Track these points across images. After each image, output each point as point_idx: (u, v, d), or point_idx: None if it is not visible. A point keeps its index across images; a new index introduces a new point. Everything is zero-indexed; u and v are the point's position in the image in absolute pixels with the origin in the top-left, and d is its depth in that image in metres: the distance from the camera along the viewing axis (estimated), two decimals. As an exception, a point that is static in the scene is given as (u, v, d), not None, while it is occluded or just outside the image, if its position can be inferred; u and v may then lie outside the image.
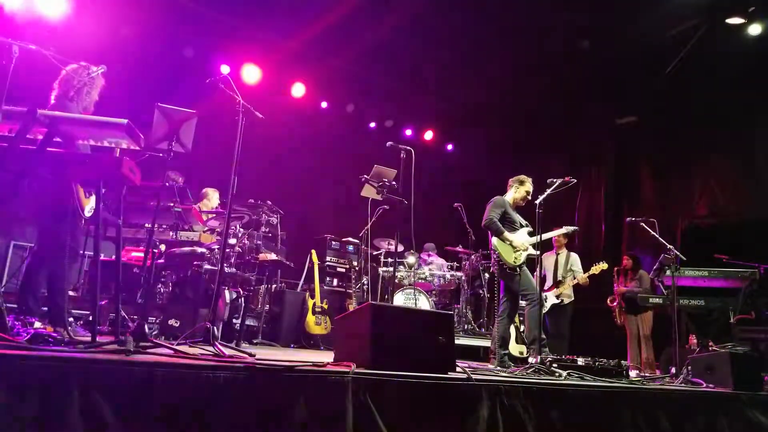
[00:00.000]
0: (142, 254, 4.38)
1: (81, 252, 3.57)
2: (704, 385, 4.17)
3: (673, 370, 4.88)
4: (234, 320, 4.79)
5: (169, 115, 3.02)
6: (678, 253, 5.26)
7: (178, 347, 2.56)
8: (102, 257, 4.83)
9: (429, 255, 8.02)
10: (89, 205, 3.28)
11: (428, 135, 10.33)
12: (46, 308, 3.16)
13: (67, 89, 3.43)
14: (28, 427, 1.65)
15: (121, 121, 2.63)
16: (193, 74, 6.96)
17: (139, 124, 2.81)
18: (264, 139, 7.53)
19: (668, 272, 5.27)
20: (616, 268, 7.23)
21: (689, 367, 4.42)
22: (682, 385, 4.21)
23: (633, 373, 4.54)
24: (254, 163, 7.85)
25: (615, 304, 7.12)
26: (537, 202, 4.70)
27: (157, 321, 4.37)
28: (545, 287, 6.81)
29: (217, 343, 2.72)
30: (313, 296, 6.39)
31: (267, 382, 2.17)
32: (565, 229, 5.54)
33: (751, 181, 7.73)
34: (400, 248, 7.12)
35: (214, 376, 2.07)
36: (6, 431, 1.60)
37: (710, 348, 5.08)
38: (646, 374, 5.24)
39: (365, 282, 6.92)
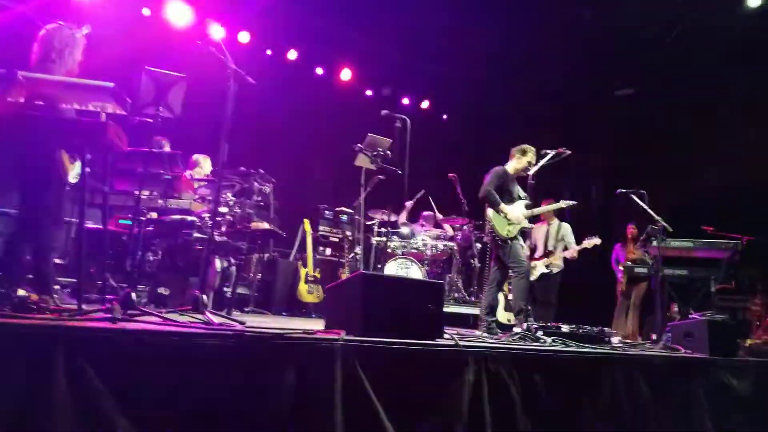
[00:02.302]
0: (130, 222, 4.34)
1: (66, 219, 3.51)
2: (683, 350, 4.30)
3: (654, 336, 4.99)
4: (225, 289, 4.79)
5: (157, 79, 2.96)
6: (665, 225, 5.30)
7: (166, 315, 2.55)
8: (90, 225, 4.83)
9: (423, 225, 8.02)
10: (74, 171, 3.22)
11: (424, 104, 10.23)
12: (31, 276, 3.12)
13: (49, 50, 3.31)
14: (15, 396, 1.65)
15: (107, 84, 2.57)
16: (183, 39, 6.82)
17: (125, 90, 2.75)
18: (256, 106, 7.42)
19: (654, 243, 5.34)
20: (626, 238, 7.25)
21: (669, 334, 4.58)
22: (662, 351, 4.33)
23: (615, 339, 4.63)
24: (246, 131, 7.70)
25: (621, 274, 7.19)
26: (530, 173, 4.68)
27: (147, 289, 4.36)
28: (535, 256, 6.86)
29: (206, 312, 2.72)
30: (305, 265, 6.40)
31: (256, 350, 2.18)
32: (563, 203, 5.48)
33: (740, 154, 7.75)
34: (394, 218, 7.13)
35: (203, 343, 2.08)
36: None
37: (690, 316, 5.19)
38: (628, 341, 5.33)
39: (358, 251, 6.93)
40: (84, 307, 2.47)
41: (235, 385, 2.08)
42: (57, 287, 3.61)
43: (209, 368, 2.04)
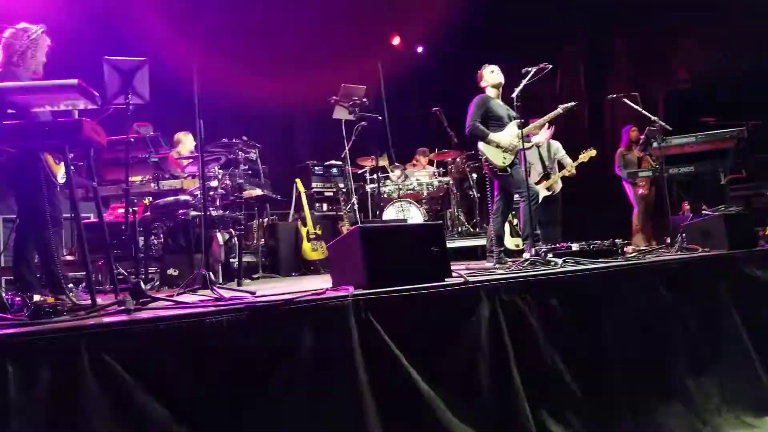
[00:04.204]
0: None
1: (66, 216, 3.54)
2: (700, 249, 4.23)
3: (669, 240, 4.93)
4: (231, 260, 4.84)
5: (118, 67, 2.89)
6: (663, 124, 5.21)
7: (177, 298, 2.60)
8: (90, 220, 4.84)
9: (415, 164, 8.00)
10: (61, 172, 3.22)
11: (395, 41, 9.98)
12: (43, 279, 3.19)
13: (10, 54, 3.27)
14: (46, 402, 1.70)
15: (71, 82, 2.53)
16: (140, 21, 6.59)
17: (91, 83, 2.70)
18: (226, 72, 7.26)
19: (655, 144, 5.26)
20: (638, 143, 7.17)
21: (684, 235, 4.48)
22: (678, 253, 4.26)
23: (629, 249, 4.62)
24: (221, 99, 7.63)
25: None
26: (514, 95, 4.58)
27: (158, 272, 4.42)
28: (534, 181, 6.84)
29: (215, 288, 2.77)
30: (305, 224, 6.43)
31: (269, 319, 2.23)
32: (561, 108, 5.17)
33: (726, 37, 7.57)
34: (382, 163, 7.10)
35: (217, 320, 2.12)
36: (25, 411, 1.65)
37: (703, 212, 5.14)
38: (642, 248, 5.34)
39: (354, 202, 6.95)
40: (99, 300, 2.53)
41: (253, 356, 2.14)
42: (71, 285, 3.67)
43: (227, 343, 2.09)
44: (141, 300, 2.45)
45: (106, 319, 2.08)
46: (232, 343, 2.11)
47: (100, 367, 1.84)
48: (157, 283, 4.22)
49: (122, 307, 2.21)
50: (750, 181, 6.67)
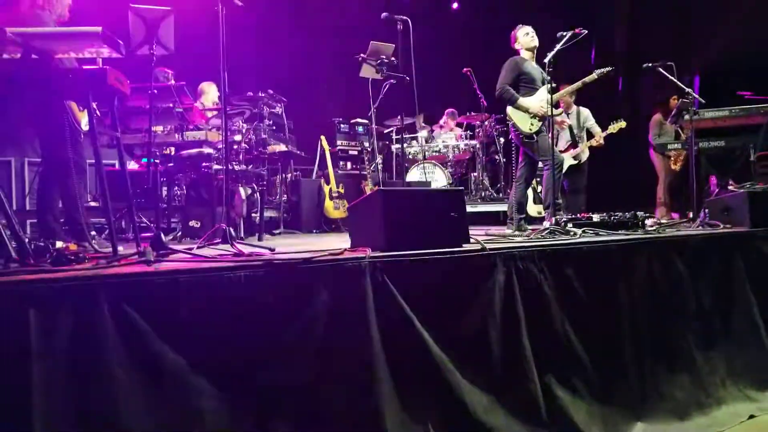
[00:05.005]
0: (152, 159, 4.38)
1: (87, 165, 3.58)
2: (721, 226, 4.19)
3: (691, 214, 4.88)
4: (253, 214, 4.88)
5: (143, 16, 2.86)
6: (696, 96, 5.06)
7: (197, 251, 2.63)
8: (116, 167, 4.90)
9: (443, 126, 7.88)
10: (85, 119, 3.24)
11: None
12: (66, 225, 3.25)
13: (34, -3, 3.25)
14: (67, 349, 1.75)
15: (95, 29, 2.50)
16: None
17: (115, 32, 2.68)
18: (255, 23, 7.17)
19: (686, 117, 5.12)
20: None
21: (706, 211, 4.44)
22: (699, 228, 4.23)
23: (650, 222, 4.56)
24: (247, 52, 7.56)
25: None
26: (546, 60, 4.42)
27: (179, 222, 4.49)
28: (560, 149, 6.71)
29: (235, 243, 2.79)
30: (328, 182, 6.43)
31: (287, 276, 2.25)
32: (597, 74, 5.00)
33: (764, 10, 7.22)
34: (409, 123, 7.00)
35: (235, 276, 2.14)
36: (46, 357, 1.70)
37: (729, 188, 5.04)
38: (663, 221, 5.27)
39: (379, 162, 6.91)
40: (120, 249, 2.58)
41: (269, 312, 2.17)
42: (93, 233, 3.75)
43: (243, 299, 2.12)
44: (161, 252, 2.48)
45: (126, 269, 2.12)
46: (249, 299, 2.13)
47: (120, 316, 1.88)
48: (179, 233, 4.28)
49: (143, 258, 2.25)
50: None
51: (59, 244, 2.58)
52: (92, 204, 4.91)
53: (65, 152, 3.09)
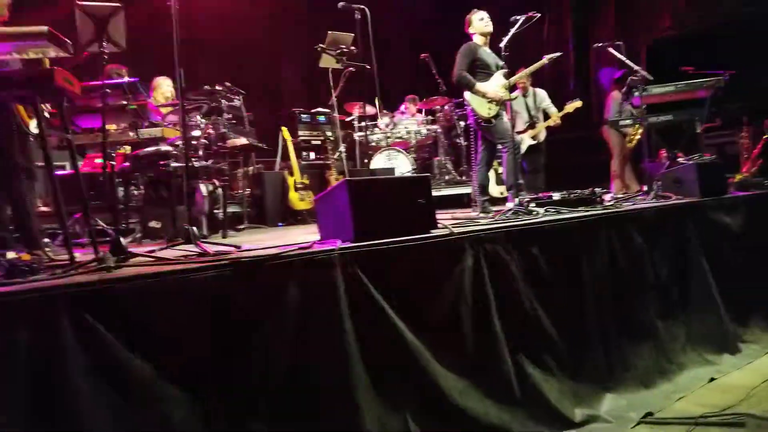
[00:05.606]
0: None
1: (37, 168, 3.43)
2: (673, 197, 4.37)
3: (644, 188, 5.09)
4: (216, 211, 4.78)
5: (91, 13, 2.74)
6: (645, 74, 5.20)
7: (159, 254, 2.57)
8: (65, 171, 4.71)
9: (404, 112, 7.87)
10: (34, 122, 3.10)
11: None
12: (17, 234, 3.11)
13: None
14: (26, 364, 1.68)
15: (41, 29, 2.41)
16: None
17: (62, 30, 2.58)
18: (209, 15, 6.99)
19: (636, 93, 5.27)
20: None
21: (659, 183, 4.64)
22: (653, 201, 4.41)
23: (607, 197, 4.71)
24: (203, 44, 7.38)
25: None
26: (502, 45, 4.48)
27: (139, 223, 4.36)
28: (518, 129, 6.80)
29: (199, 242, 2.74)
30: (291, 173, 6.35)
31: (255, 274, 2.21)
32: (547, 59, 5.16)
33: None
34: (371, 111, 6.97)
35: (202, 277, 2.10)
36: (4, 374, 1.64)
37: (678, 160, 5.24)
38: (619, 195, 5.43)
39: (342, 150, 6.86)
40: (78, 255, 2.48)
41: (238, 311, 2.13)
42: (46, 240, 3.60)
43: (211, 300, 2.08)
44: (122, 256, 2.41)
45: (86, 278, 2.05)
46: (217, 299, 2.09)
47: (81, 327, 1.81)
48: (139, 235, 4.17)
49: (102, 265, 2.17)
50: (724, 128, 6.78)
51: (11, 254, 2.47)
52: (43, 209, 4.71)
53: (13, 158, 2.96)
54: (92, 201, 4.42)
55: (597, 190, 4.33)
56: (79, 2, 2.79)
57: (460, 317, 2.72)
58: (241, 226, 5.25)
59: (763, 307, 4.14)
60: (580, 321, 3.21)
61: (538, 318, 3.01)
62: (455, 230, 2.89)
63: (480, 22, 4.98)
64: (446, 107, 7.53)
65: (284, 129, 6.76)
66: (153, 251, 2.68)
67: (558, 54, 5.23)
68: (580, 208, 3.92)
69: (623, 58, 5.22)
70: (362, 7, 4.20)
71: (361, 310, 2.39)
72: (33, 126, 3.14)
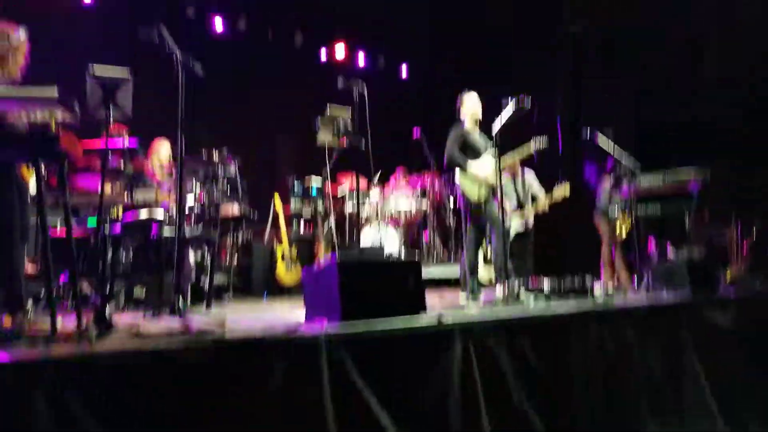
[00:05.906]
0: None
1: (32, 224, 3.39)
2: (664, 293, 4.38)
3: (636, 279, 5.10)
4: (202, 279, 4.71)
5: (102, 81, 2.81)
6: (631, 165, 5.26)
7: (142, 328, 2.49)
8: (57, 231, 4.65)
9: (394, 186, 7.95)
10: (33, 182, 3.09)
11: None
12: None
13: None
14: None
15: (52, 93, 2.45)
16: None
17: (71, 92, 2.63)
18: (211, 80, 7.17)
19: (624, 184, 5.34)
20: None
21: (650, 277, 4.65)
22: (644, 296, 4.41)
23: (597, 289, 4.68)
24: (203, 108, 7.51)
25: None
26: (494, 134, 4.47)
27: (123, 289, 4.27)
28: (509, 211, 6.84)
29: (185, 317, 2.67)
30: (281, 241, 6.33)
31: (239, 355, 2.16)
32: (533, 144, 5.18)
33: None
34: (362, 183, 7.03)
35: (184, 358, 2.04)
36: None
37: (668, 252, 5.25)
38: (610, 287, 5.42)
39: (331, 222, 6.87)
40: (59, 319, 2.41)
41: (220, 394, 2.06)
42: (29, 300, 3.51)
43: (192, 381, 2.02)
44: (104, 327, 2.34)
45: (65, 350, 1.98)
46: (199, 381, 2.03)
47: (57, 402, 1.75)
48: (122, 302, 4.07)
49: (84, 337, 2.11)
50: (712, 222, 6.87)
51: (-7, 317, 2.39)
52: (28, 270, 4.61)
53: (12, 221, 2.91)
54: (80, 263, 4.35)
55: (587, 280, 4.30)
56: (90, 72, 2.85)
57: (448, 411, 2.63)
58: (226, 294, 5.17)
59: (761, 409, 4.03)
60: (570, 417, 3.12)
61: (527, 413, 2.91)
62: (444, 318, 2.85)
63: (469, 106, 5.04)
64: (437, 184, 7.61)
65: (277, 196, 6.80)
66: (136, 324, 2.61)
67: (545, 146, 5.25)
68: (569, 297, 3.90)
69: (610, 149, 5.31)
70: (361, 81, 4.32)
71: (345, 400, 2.31)
72: (32, 186, 3.12)
